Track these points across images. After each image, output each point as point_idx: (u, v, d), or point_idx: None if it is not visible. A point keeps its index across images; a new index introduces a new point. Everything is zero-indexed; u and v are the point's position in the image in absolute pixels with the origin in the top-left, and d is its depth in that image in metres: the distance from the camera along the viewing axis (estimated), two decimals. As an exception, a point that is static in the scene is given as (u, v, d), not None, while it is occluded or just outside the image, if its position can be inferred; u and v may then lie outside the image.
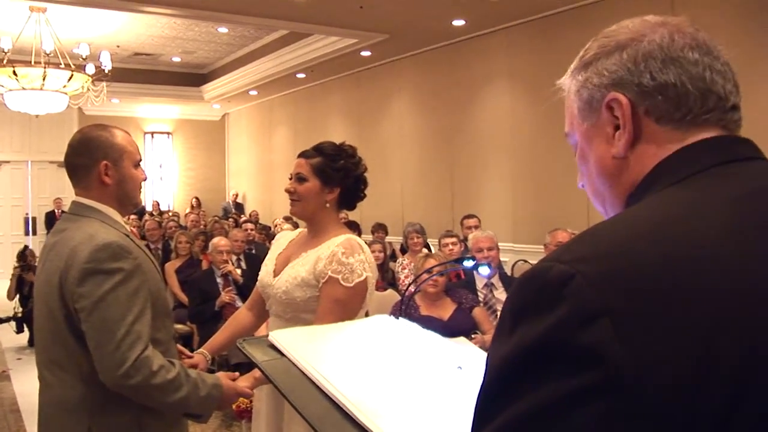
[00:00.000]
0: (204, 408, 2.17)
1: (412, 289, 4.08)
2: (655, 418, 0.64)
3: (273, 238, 10.71)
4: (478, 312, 4.73)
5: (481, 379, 0.75)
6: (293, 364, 1.08)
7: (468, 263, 3.44)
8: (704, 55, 0.88)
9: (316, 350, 1.13)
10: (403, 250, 7.99)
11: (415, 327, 1.36)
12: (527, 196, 8.95)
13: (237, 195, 17.34)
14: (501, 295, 5.11)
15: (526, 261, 8.02)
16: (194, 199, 17.20)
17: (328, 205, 2.59)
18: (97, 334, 1.99)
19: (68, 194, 15.38)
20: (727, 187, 0.80)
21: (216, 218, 12.53)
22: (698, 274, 0.69)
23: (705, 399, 0.64)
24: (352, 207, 2.69)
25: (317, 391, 1.04)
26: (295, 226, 9.94)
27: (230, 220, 12.39)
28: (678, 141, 0.87)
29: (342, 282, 2.41)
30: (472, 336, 4.48)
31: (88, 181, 2.24)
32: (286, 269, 2.58)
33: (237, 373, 2.42)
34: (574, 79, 0.96)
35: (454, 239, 6.45)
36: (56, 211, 14.69)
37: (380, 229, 9.51)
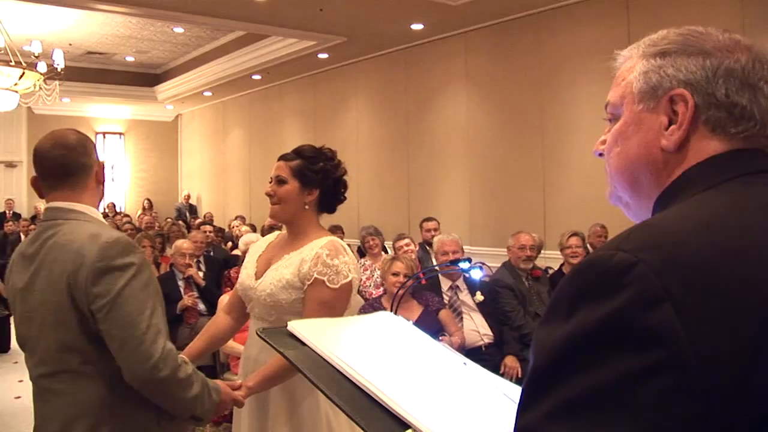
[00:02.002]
0: (207, 409, 2.12)
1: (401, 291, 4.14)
2: (713, 394, 0.69)
3: (229, 240, 10.52)
4: (444, 314, 4.78)
5: (532, 361, 0.79)
6: (315, 353, 1.10)
7: (464, 265, 3.57)
8: None
9: (334, 340, 1.15)
10: (361, 253, 8.01)
11: (412, 325, 1.39)
12: (484, 199, 9.03)
13: (189, 196, 17.11)
14: (465, 297, 5.15)
15: (484, 264, 8.09)
16: (146, 201, 16.97)
17: (307, 207, 2.60)
18: (120, 331, 1.93)
19: (15, 194, 15.09)
20: (762, 193, 0.87)
21: (171, 220, 12.36)
22: (749, 264, 0.76)
23: (759, 376, 0.70)
24: (332, 210, 2.69)
25: (343, 378, 1.06)
26: (253, 228, 9.88)
27: (180, 222, 12.14)
28: (722, 149, 0.92)
29: (328, 284, 2.42)
30: (440, 338, 4.52)
31: (87, 182, 2.16)
32: (269, 272, 2.57)
33: (239, 382, 2.38)
34: (646, 60, 0.97)
35: (407, 240, 6.86)
36: (7, 212, 14.31)
37: (338, 230, 9.49)
